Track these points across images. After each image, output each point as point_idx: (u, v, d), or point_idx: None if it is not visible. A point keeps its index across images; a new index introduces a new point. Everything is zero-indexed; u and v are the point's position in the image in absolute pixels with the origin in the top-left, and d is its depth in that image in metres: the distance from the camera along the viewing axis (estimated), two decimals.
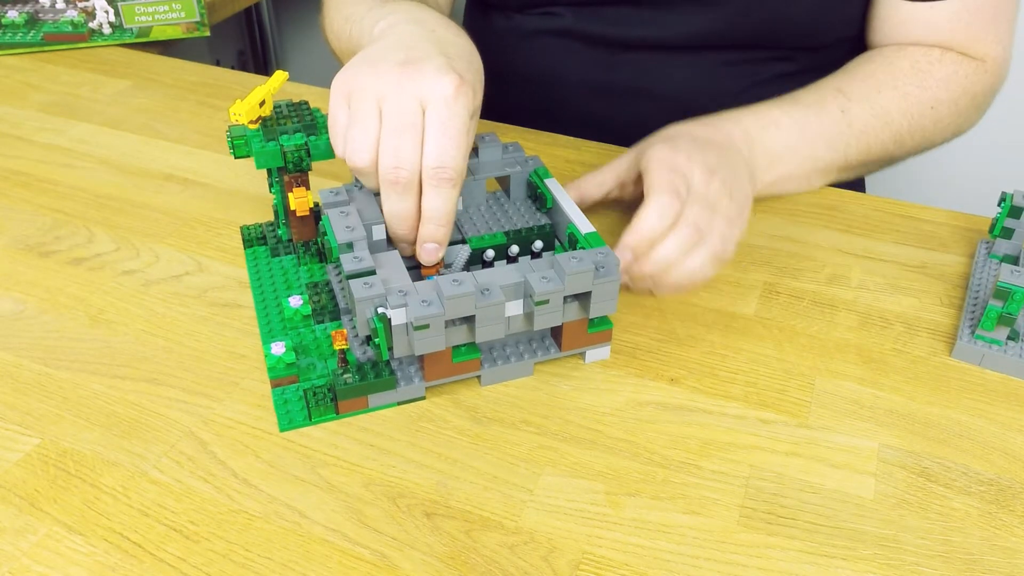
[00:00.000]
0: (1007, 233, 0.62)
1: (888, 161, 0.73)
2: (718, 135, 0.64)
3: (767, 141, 0.66)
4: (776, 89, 0.71)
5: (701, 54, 0.78)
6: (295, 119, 0.56)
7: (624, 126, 0.74)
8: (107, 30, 0.93)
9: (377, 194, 0.53)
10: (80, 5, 0.92)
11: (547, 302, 0.49)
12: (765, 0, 0.73)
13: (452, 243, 0.57)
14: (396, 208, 0.51)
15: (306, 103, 0.58)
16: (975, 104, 0.73)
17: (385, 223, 0.53)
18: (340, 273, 0.57)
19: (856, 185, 0.89)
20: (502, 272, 0.49)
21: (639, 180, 0.61)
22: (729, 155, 0.62)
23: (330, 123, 0.53)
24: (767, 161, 0.66)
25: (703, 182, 0.56)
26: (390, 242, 0.54)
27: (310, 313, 0.55)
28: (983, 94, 0.73)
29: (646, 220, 0.54)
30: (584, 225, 0.54)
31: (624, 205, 0.67)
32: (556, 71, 0.83)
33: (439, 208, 0.51)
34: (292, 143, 0.55)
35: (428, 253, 0.53)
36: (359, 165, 0.51)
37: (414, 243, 0.53)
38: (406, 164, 0.50)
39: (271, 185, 0.59)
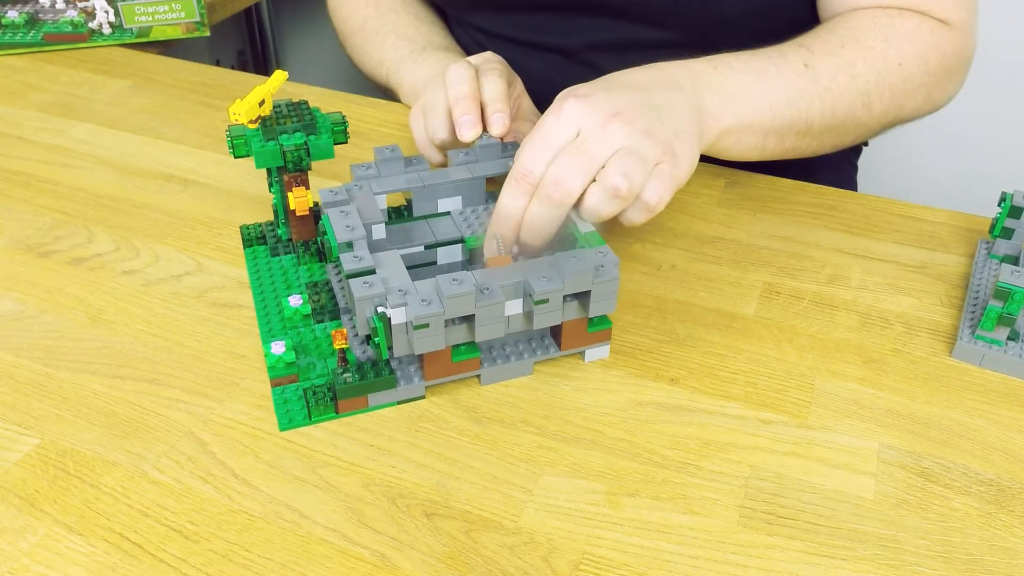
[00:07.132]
0: (1007, 233, 0.62)
1: (856, 128, 0.66)
2: (655, 76, 0.58)
3: (719, 79, 0.59)
4: None
5: (645, 53, 0.72)
6: (295, 119, 0.56)
7: None
8: (107, 30, 0.93)
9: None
10: (80, 5, 0.92)
11: (547, 301, 0.49)
12: (693, 7, 0.72)
13: (450, 243, 0.57)
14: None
15: (306, 103, 0.58)
16: (946, 64, 0.68)
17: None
18: (340, 272, 0.57)
19: (846, 187, 0.88)
20: (502, 271, 0.49)
21: None
22: (659, 95, 0.56)
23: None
24: (720, 99, 0.59)
25: (598, 126, 0.52)
26: (389, 239, 0.54)
27: (310, 312, 0.55)
28: (953, 53, 0.68)
29: (517, 156, 0.53)
30: (583, 224, 0.54)
31: None
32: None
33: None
34: (292, 143, 0.55)
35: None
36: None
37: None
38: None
39: (271, 185, 0.59)
